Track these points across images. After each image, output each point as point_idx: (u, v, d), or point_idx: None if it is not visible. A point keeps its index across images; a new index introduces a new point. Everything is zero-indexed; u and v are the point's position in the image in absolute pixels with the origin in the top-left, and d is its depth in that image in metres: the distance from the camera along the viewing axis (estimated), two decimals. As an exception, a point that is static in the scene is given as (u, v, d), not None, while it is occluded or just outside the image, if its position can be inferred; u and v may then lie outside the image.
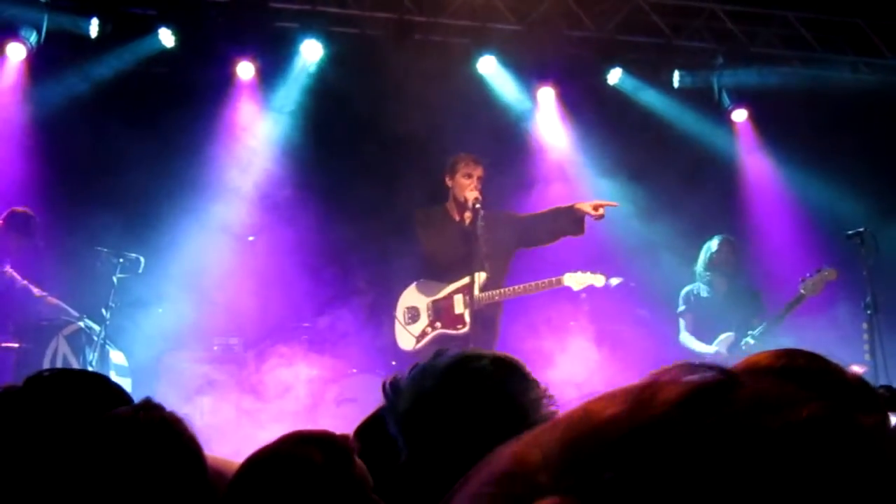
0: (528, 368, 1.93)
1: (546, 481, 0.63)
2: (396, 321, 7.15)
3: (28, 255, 7.18)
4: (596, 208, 6.60)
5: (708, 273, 7.63)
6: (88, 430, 1.78)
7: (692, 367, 0.67)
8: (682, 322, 7.78)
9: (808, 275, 7.06)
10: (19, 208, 7.25)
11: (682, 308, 7.77)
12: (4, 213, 7.16)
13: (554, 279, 6.47)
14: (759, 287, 7.87)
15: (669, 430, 0.59)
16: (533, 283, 6.59)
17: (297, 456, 1.78)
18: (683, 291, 7.79)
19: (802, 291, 7.04)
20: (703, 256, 7.67)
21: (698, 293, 7.72)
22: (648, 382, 0.67)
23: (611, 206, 6.71)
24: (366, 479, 1.82)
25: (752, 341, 7.15)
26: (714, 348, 7.41)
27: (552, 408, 1.87)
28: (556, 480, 0.61)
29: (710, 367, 0.69)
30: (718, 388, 0.63)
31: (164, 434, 1.80)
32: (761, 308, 7.52)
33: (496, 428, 1.77)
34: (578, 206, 6.69)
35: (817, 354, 1.51)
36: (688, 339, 7.67)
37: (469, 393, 1.80)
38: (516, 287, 6.63)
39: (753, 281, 7.96)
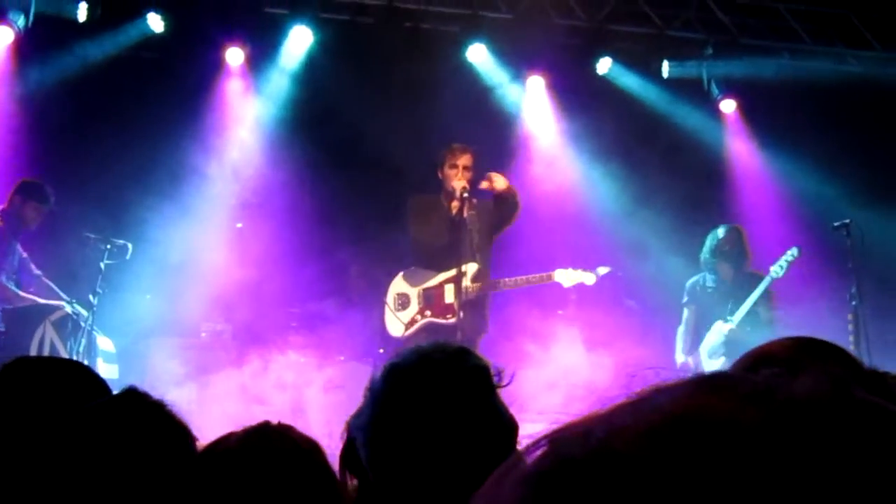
0: (494, 365, 1.88)
1: None
2: (386, 307, 7.16)
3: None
4: (488, 181, 6.66)
5: (714, 260, 7.55)
6: (77, 416, 1.78)
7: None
8: (684, 313, 7.73)
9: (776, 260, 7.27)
10: (28, 178, 7.27)
11: (685, 299, 7.72)
12: (16, 185, 7.14)
13: (545, 275, 6.48)
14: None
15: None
16: (524, 278, 6.60)
17: (262, 448, 1.78)
18: (689, 283, 7.73)
19: (771, 274, 7.18)
20: (708, 243, 7.59)
21: (704, 283, 7.65)
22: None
23: (491, 178, 6.69)
24: (333, 476, 1.82)
25: (733, 325, 7.19)
26: (682, 358, 7.52)
27: (509, 413, 1.83)
28: None
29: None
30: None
31: (154, 419, 1.81)
32: (768, 295, 7.44)
33: (466, 432, 1.74)
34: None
35: (829, 343, 1.52)
36: (678, 338, 7.68)
37: (437, 399, 1.74)
38: (507, 280, 6.64)
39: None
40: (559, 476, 0.54)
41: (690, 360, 7.44)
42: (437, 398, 1.75)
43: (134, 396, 1.86)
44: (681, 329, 7.70)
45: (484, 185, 6.63)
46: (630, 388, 0.62)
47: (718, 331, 7.33)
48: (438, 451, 1.71)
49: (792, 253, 7.25)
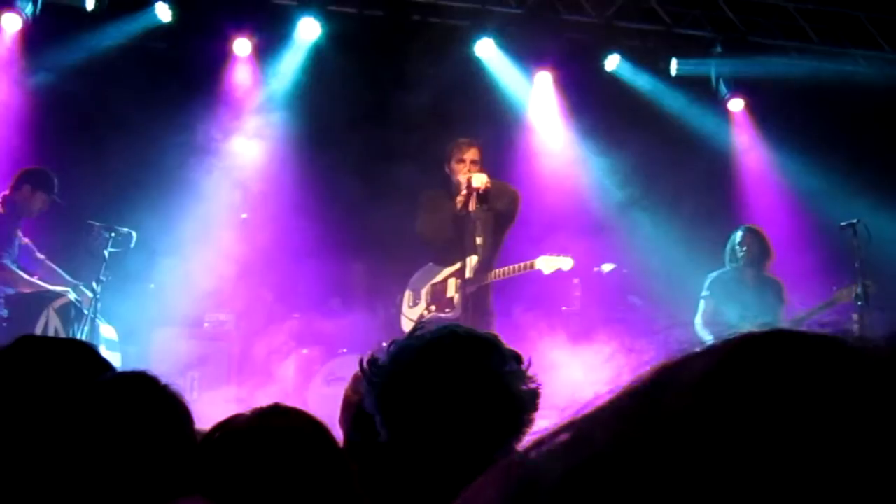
0: (510, 346, 1.93)
1: None
2: (402, 306, 7.16)
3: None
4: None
5: (734, 265, 7.50)
6: (82, 392, 1.78)
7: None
8: (702, 305, 7.54)
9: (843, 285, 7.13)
10: (35, 167, 7.25)
11: (705, 293, 7.55)
12: (20, 174, 7.12)
13: (528, 263, 6.45)
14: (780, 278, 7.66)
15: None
16: (509, 267, 6.57)
17: (272, 427, 1.80)
18: (712, 275, 7.58)
19: (835, 297, 7.08)
20: (728, 248, 7.54)
21: (727, 281, 7.54)
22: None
23: (469, 179, 6.60)
24: (342, 454, 1.83)
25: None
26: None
27: (532, 384, 1.87)
28: None
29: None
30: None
31: (157, 398, 1.81)
32: (783, 300, 7.40)
33: (475, 402, 1.78)
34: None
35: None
36: (698, 328, 7.51)
37: (447, 367, 1.79)
38: (497, 271, 6.61)
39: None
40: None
41: None
42: (437, 366, 1.79)
43: (140, 377, 1.87)
44: (698, 321, 7.51)
45: (474, 183, 6.52)
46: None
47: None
48: (444, 415, 1.76)
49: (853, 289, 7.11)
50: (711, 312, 7.50)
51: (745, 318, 7.23)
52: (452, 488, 1.75)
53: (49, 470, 1.69)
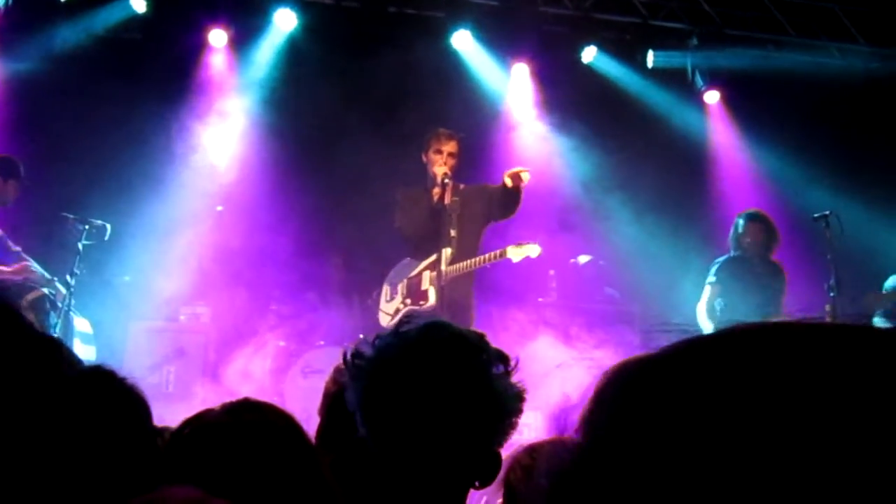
0: (495, 344, 1.92)
1: None
2: (379, 301, 7.16)
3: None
4: (513, 178, 6.56)
5: (739, 252, 7.43)
6: (37, 387, 1.76)
7: None
8: (706, 291, 7.44)
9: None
10: (2, 155, 7.13)
11: (711, 279, 7.45)
12: None
13: (498, 252, 6.45)
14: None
15: None
16: (481, 258, 6.58)
17: (242, 422, 1.79)
18: (718, 261, 7.49)
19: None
20: (732, 235, 7.46)
21: (735, 268, 7.43)
22: None
23: (523, 171, 6.59)
24: (313, 448, 1.83)
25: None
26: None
27: (518, 386, 1.85)
28: None
29: None
30: None
31: (112, 393, 1.79)
32: (783, 285, 7.35)
33: (458, 402, 1.77)
34: (504, 181, 6.64)
35: None
36: (700, 315, 7.40)
37: (431, 366, 1.77)
38: (468, 261, 6.61)
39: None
40: None
41: None
42: (421, 364, 1.77)
43: (98, 373, 1.85)
44: (701, 307, 7.40)
45: (524, 176, 6.51)
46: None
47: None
48: (426, 414, 1.74)
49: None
50: (716, 299, 7.39)
51: (749, 306, 7.21)
52: (431, 487, 1.76)
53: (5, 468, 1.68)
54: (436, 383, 1.75)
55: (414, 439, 1.75)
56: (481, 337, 1.89)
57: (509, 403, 1.81)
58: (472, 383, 1.77)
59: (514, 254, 6.37)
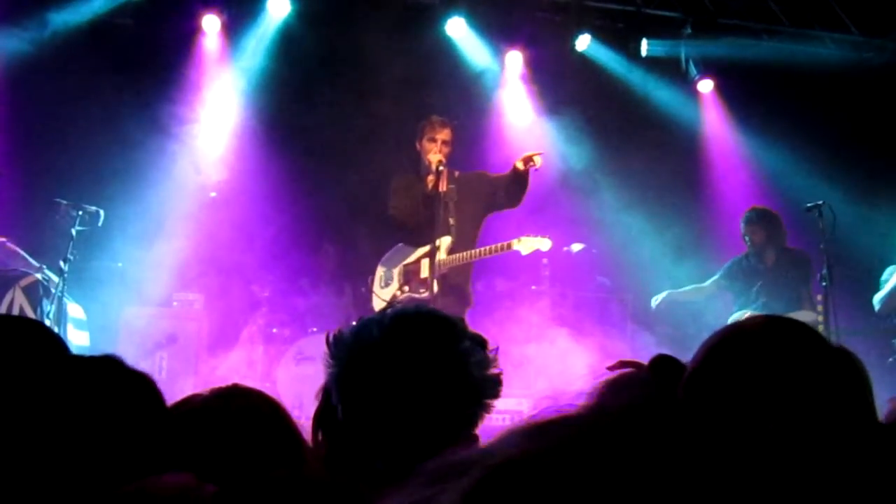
0: (476, 331, 1.92)
1: None
2: (374, 286, 7.14)
3: None
4: (525, 162, 6.53)
5: (750, 249, 7.55)
6: (52, 371, 1.76)
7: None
8: (707, 283, 7.78)
9: None
10: None
11: (717, 276, 7.73)
12: None
13: (504, 244, 6.44)
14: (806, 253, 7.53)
15: None
16: (485, 248, 6.57)
17: (228, 408, 1.80)
18: (732, 260, 7.71)
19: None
20: (742, 230, 7.60)
21: (742, 266, 7.59)
22: None
23: (536, 155, 6.57)
24: (299, 434, 1.84)
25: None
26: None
27: (494, 370, 1.87)
28: None
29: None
30: None
31: (126, 378, 1.79)
32: (809, 274, 7.34)
33: (432, 384, 1.78)
34: (515, 165, 6.62)
35: (798, 322, 1.55)
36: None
37: (405, 347, 1.79)
38: (472, 251, 6.61)
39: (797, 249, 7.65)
40: None
41: None
42: (399, 343, 1.79)
43: (111, 361, 1.85)
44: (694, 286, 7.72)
45: (537, 160, 6.49)
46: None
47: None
48: (399, 395, 1.76)
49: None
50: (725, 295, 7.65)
51: (747, 305, 7.31)
52: (403, 467, 1.77)
53: (16, 452, 1.69)
54: (409, 365, 1.78)
55: (386, 419, 1.77)
56: (459, 320, 1.90)
57: (484, 387, 1.83)
58: (445, 364, 1.79)
59: (523, 246, 6.35)
